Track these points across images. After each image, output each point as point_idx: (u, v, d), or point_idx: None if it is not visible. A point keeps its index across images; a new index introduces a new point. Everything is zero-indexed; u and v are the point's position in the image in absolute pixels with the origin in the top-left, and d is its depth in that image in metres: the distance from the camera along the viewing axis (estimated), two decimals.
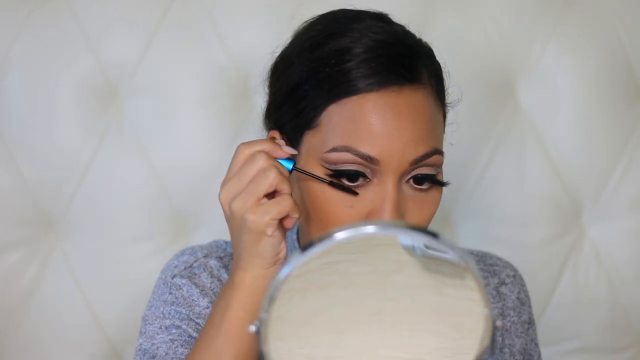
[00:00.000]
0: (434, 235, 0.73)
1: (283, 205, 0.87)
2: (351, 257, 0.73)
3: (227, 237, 0.96)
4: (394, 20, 0.98)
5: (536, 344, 1.13)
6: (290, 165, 0.91)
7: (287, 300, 0.73)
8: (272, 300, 0.73)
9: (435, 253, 0.73)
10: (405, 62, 0.92)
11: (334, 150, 0.90)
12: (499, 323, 0.75)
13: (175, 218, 1.34)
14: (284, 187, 0.88)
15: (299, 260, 0.72)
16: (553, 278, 1.39)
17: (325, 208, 0.91)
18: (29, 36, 1.30)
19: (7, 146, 1.30)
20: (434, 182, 0.92)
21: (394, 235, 0.73)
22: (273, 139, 0.98)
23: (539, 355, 1.14)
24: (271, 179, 0.87)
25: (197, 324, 0.99)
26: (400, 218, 0.89)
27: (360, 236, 0.72)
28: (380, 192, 0.90)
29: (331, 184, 0.90)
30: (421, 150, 0.90)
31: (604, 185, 1.39)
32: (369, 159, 0.89)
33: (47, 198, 1.32)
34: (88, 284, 1.32)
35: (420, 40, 0.97)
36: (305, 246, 0.72)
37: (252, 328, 0.76)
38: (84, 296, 1.32)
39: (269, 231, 0.87)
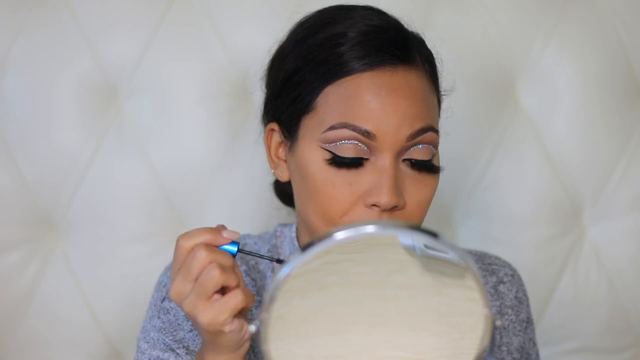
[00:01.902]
0: (434, 235, 0.73)
1: (235, 302, 0.82)
2: (351, 257, 0.73)
3: None
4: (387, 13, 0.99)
5: (534, 343, 1.13)
6: (234, 249, 0.86)
7: (287, 300, 0.73)
8: (272, 300, 0.73)
9: (435, 253, 0.73)
10: (399, 44, 0.93)
11: (331, 128, 0.91)
12: (498, 323, 0.75)
13: (174, 218, 1.34)
14: (231, 282, 0.82)
15: (299, 260, 0.72)
16: (553, 278, 1.39)
17: (323, 188, 0.91)
18: (29, 36, 1.30)
19: (7, 146, 1.30)
20: (429, 169, 0.93)
21: (394, 235, 0.74)
22: (272, 131, 0.99)
23: (537, 354, 1.14)
24: (216, 279, 0.81)
25: (178, 354, 0.98)
26: (398, 195, 0.89)
27: (360, 236, 0.72)
28: (377, 169, 0.90)
29: (278, 261, 0.86)
30: (417, 125, 0.91)
31: (604, 185, 1.39)
32: (367, 134, 0.89)
33: (47, 198, 1.31)
34: (88, 283, 1.32)
35: (412, 31, 0.99)
36: (305, 246, 0.73)
37: (252, 328, 0.76)
38: (84, 296, 1.32)
39: (227, 328, 0.83)
